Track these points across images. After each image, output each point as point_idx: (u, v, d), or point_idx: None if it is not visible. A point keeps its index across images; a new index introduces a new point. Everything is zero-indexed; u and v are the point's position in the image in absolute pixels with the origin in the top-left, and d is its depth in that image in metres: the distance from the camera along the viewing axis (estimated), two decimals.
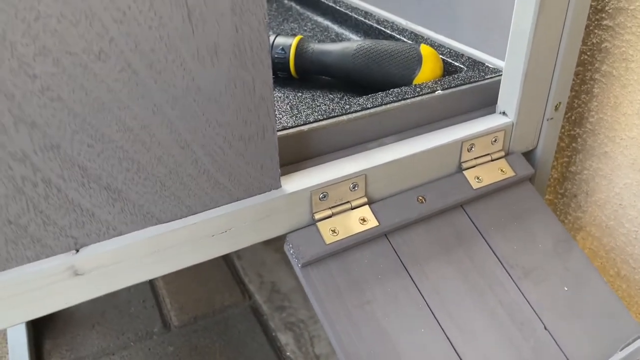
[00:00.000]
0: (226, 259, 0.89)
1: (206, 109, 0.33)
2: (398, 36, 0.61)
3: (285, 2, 0.83)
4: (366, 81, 0.53)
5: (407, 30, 0.62)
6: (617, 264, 0.63)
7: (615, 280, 0.64)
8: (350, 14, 0.69)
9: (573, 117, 0.62)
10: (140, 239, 0.35)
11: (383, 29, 0.63)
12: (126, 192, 0.33)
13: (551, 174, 0.67)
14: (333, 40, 0.67)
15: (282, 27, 0.72)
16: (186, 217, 0.36)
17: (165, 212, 0.35)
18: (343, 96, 0.54)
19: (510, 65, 0.46)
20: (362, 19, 0.67)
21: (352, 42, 0.53)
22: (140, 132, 0.32)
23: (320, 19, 0.74)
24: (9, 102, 0.28)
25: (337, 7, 0.71)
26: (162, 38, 0.30)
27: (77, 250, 0.33)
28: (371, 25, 0.65)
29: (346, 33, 0.69)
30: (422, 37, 0.60)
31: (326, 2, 0.73)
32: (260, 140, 0.36)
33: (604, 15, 0.56)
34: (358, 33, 0.68)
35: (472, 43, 0.56)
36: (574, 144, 0.63)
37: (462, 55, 0.55)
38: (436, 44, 0.58)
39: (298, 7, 0.79)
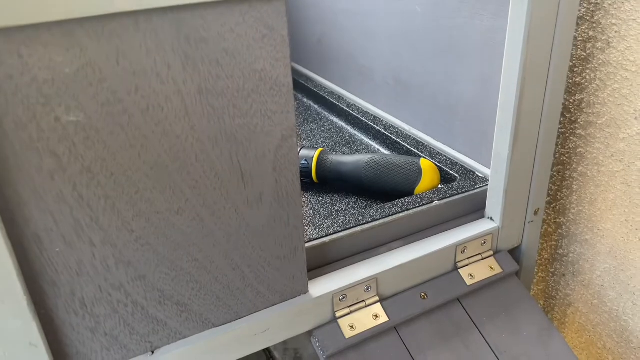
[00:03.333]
0: None
1: (253, 240, 0.43)
2: (402, 142, 0.71)
3: (305, 100, 0.94)
4: (375, 188, 0.63)
5: (410, 137, 0.73)
6: (603, 338, 0.70)
7: (602, 352, 0.71)
8: (361, 118, 0.80)
9: (557, 207, 0.71)
10: (200, 341, 0.44)
11: (389, 134, 0.74)
12: (190, 305, 0.43)
13: (542, 255, 0.76)
14: (347, 142, 0.78)
15: (303, 128, 0.83)
16: (235, 321, 0.46)
17: (219, 318, 0.45)
18: (357, 200, 0.64)
19: (494, 181, 0.56)
20: (372, 124, 0.78)
21: (364, 156, 0.64)
22: (203, 261, 0.42)
23: (335, 120, 0.85)
24: (113, 250, 0.38)
25: (350, 111, 0.82)
26: (223, 194, 0.40)
27: (153, 352, 0.43)
28: (379, 131, 0.76)
29: (358, 135, 0.80)
30: (423, 144, 0.70)
31: (340, 105, 0.85)
32: (292, 257, 0.46)
33: (577, 126, 0.66)
34: (369, 136, 0.78)
35: (465, 152, 0.67)
36: (559, 230, 0.72)
37: (457, 163, 0.65)
38: (435, 151, 0.68)
39: (316, 107, 0.90)
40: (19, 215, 0.34)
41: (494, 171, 0.55)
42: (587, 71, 0.62)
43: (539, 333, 0.54)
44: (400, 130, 0.74)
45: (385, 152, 0.75)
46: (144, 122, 0.35)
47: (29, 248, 0.35)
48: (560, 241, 0.73)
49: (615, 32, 0.57)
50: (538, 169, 0.56)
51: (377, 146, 0.76)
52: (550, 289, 0.78)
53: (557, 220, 0.72)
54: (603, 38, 0.59)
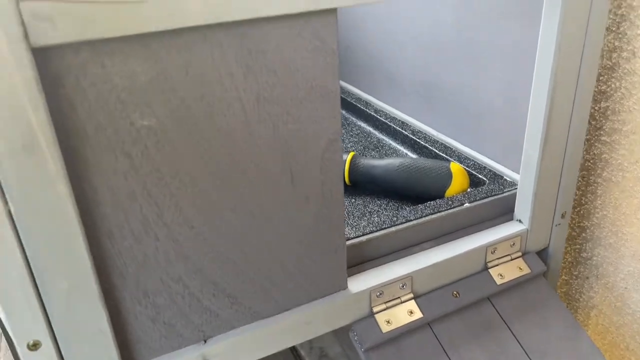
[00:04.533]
0: None
1: (299, 237, 0.46)
2: (430, 147, 0.74)
3: None
4: (406, 191, 0.65)
5: (438, 141, 0.75)
6: (626, 339, 0.72)
7: (625, 353, 0.73)
8: (389, 123, 0.82)
9: (581, 212, 0.73)
10: (248, 331, 0.47)
11: (417, 139, 0.77)
12: (240, 297, 0.46)
13: (565, 258, 0.78)
14: (375, 146, 0.81)
15: None
16: (280, 313, 0.48)
17: (265, 310, 0.48)
18: (388, 202, 0.66)
19: (523, 184, 0.58)
20: (400, 128, 0.80)
21: (395, 159, 0.67)
22: (253, 256, 0.45)
23: (363, 125, 0.88)
24: (174, 244, 0.41)
25: (378, 116, 0.85)
26: (274, 194, 0.43)
27: (205, 341, 0.46)
28: (407, 135, 0.78)
29: (386, 140, 0.83)
30: (451, 148, 0.73)
31: (368, 111, 0.87)
32: (334, 254, 0.49)
33: (601, 132, 0.68)
34: (397, 140, 0.81)
35: (493, 157, 0.69)
36: (583, 234, 0.74)
37: (485, 167, 0.68)
38: (463, 156, 0.71)
39: (344, 112, 0.93)
40: (95, 211, 0.37)
41: (523, 175, 0.58)
42: (613, 80, 0.64)
43: (566, 332, 0.56)
44: (428, 135, 0.77)
45: (414, 156, 0.77)
46: (208, 127, 0.38)
47: (102, 242, 0.38)
48: (584, 244, 0.75)
49: None
50: (566, 173, 0.58)
51: (405, 150, 0.79)
52: (573, 291, 0.80)
53: (581, 224, 0.74)
54: (628, 48, 0.61)
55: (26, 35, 0.30)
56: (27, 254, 0.35)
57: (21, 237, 0.35)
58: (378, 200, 0.67)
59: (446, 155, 0.72)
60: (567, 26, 0.50)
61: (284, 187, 0.43)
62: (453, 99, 0.74)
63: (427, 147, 0.75)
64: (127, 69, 0.35)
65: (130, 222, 0.39)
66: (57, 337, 0.38)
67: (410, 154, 0.78)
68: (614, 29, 0.62)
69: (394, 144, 0.81)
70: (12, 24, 0.30)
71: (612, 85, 0.64)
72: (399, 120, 0.83)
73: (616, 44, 0.62)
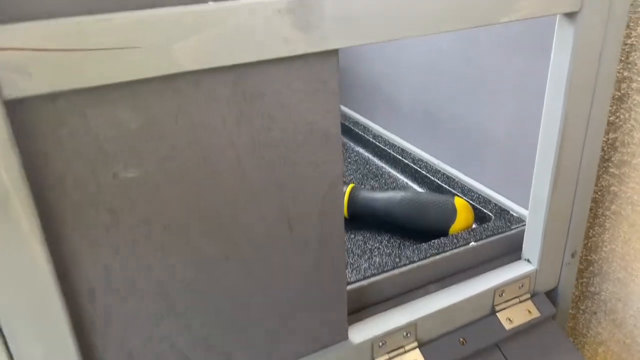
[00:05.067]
0: None
1: (297, 284, 0.43)
2: (432, 177, 0.71)
3: None
4: (408, 226, 0.62)
5: (439, 171, 0.72)
6: (618, 354, 0.69)
7: None
8: (388, 150, 0.80)
9: (589, 245, 0.71)
10: None
11: (418, 168, 0.74)
12: (233, 352, 0.43)
13: (573, 292, 0.75)
14: (375, 175, 0.78)
15: None
16: None
17: None
18: (389, 238, 0.63)
19: (532, 223, 0.55)
20: (400, 156, 0.77)
21: (397, 193, 0.64)
22: (248, 307, 0.41)
23: (361, 151, 0.85)
24: (164, 300, 0.38)
25: (377, 143, 0.82)
26: (270, 241, 0.40)
27: None
28: (407, 164, 0.76)
29: (385, 167, 0.80)
30: (453, 179, 0.70)
31: (366, 136, 0.85)
32: (334, 302, 0.46)
33: (610, 164, 0.65)
34: (397, 169, 0.78)
35: (498, 189, 0.66)
36: (591, 268, 0.72)
37: (490, 201, 0.65)
38: (466, 188, 0.68)
39: (342, 137, 0.90)
40: (73, 269, 0.34)
41: (532, 213, 0.55)
42: (622, 110, 0.62)
43: None
44: (429, 164, 0.74)
45: (414, 186, 0.75)
46: (199, 174, 0.35)
47: (81, 303, 0.35)
48: (591, 279, 0.72)
49: None
50: (576, 211, 0.56)
51: (405, 180, 0.76)
52: (580, 326, 0.77)
53: (589, 257, 0.71)
54: (638, 79, 0.58)
55: None
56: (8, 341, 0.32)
57: None
58: (379, 235, 0.64)
59: (449, 186, 0.69)
60: (579, 58, 0.47)
61: (281, 234, 0.40)
62: (455, 127, 0.72)
63: (428, 177, 0.72)
64: (111, 117, 0.31)
65: (113, 280, 0.35)
66: None
67: (410, 183, 0.75)
68: (623, 58, 0.59)
69: (393, 172, 0.78)
70: None
71: (621, 117, 0.62)
72: (399, 147, 0.80)
73: (625, 74, 0.60)
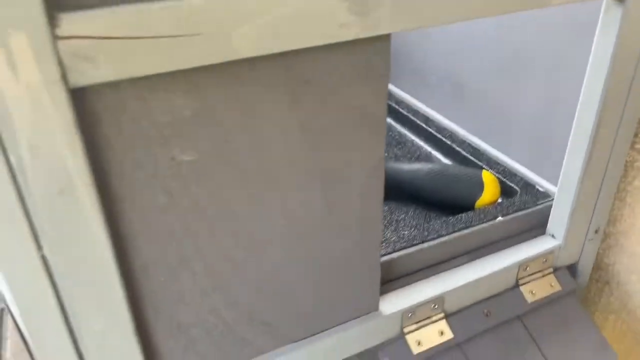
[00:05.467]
0: None
1: (335, 261, 0.44)
2: (458, 148, 0.72)
3: None
4: (434, 199, 0.63)
5: (465, 142, 0.73)
6: (629, 322, 0.72)
7: None
8: (412, 117, 0.79)
9: (609, 218, 0.72)
10: (278, 356, 0.46)
11: (443, 138, 0.74)
12: (274, 323, 0.44)
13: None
14: (398, 142, 0.78)
15: None
16: (312, 336, 0.47)
17: (297, 334, 0.46)
18: (415, 209, 0.64)
19: (560, 201, 0.56)
20: (424, 124, 0.77)
21: (423, 165, 0.64)
22: (289, 283, 0.43)
23: None
24: (212, 278, 0.39)
25: (399, 109, 0.82)
26: (313, 222, 0.41)
27: None
28: (432, 133, 0.76)
29: (408, 134, 0.80)
30: (479, 150, 0.70)
31: (389, 101, 0.84)
32: (368, 277, 0.47)
33: (636, 140, 0.65)
34: (420, 137, 0.78)
35: (524, 163, 0.67)
36: (608, 240, 0.73)
37: (516, 175, 0.65)
38: (492, 160, 0.68)
39: None
40: (129, 247, 0.35)
41: (561, 191, 0.56)
42: None
43: (595, 351, 0.55)
44: (454, 134, 0.74)
45: (439, 155, 0.75)
46: (249, 159, 0.36)
47: (136, 280, 0.36)
48: (607, 251, 0.74)
49: None
50: (604, 189, 0.56)
51: (429, 149, 0.76)
52: (592, 294, 0.79)
53: (607, 230, 0.72)
54: None
55: (64, 76, 0.27)
56: (62, 297, 0.33)
57: (55, 281, 0.32)
58: (404, 207, 0.65)
59: (474, 158, 0.69)
60: (624, 41, 0.46)
61: (324, 213, 0.41)
62: (484, 99, 0.71)
63: (453, 147, 0.72)
64: (170, 103, 0.32)
65: (167, 258, 0.36)
66: None
67: (435, 153, 0.76)
68: None
69: (417, 140, 0.78)
70: (49, 65, 0.27)
71: None
72: (422, 114, 0.80)
73: None
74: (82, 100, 0.29)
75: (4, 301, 0.48)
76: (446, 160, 0.74)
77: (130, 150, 0.32)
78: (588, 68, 0.49)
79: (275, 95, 0.35)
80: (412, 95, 0.85)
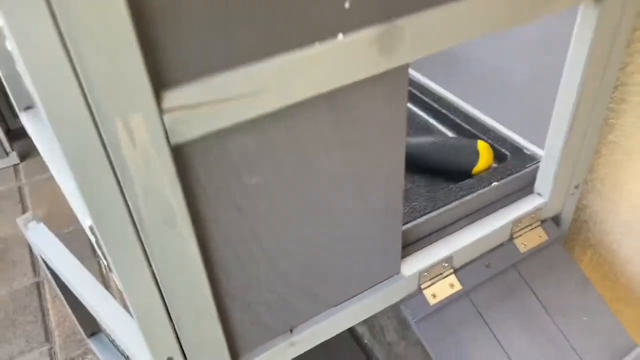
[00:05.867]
0: None
1: (367, 242, 0.53)
2: (452, 116, 0.80)
3: None
4: (436, 168, 0.72)
5: (458, 109, 0.81)
6: (617, 274, 0.84)
7: (615, 285, 0.85)
8: (409, 87, 0.86)
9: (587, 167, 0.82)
10: (323, 319, 0.56)
11: (437, 106, 0.82)
12: (318, 293, 0.54)
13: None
14: None
15: None
16: (348, 300, 0.57)
17: (336, 299, 0.56)
18: (420, 177, 0.73)
19: (546, 164, 0.66)
20: (418, 93, 0.85)
21: (426, 138, 0.73)
22: (330, 261, 0.52)
23: None
24: (272, 266, 0.48)
25: None
26: (349, 214, 0.50)
27: (291, 331, 0.55)
28: (427, 102, 0.83)
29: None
30: (473, 118, 0.79)
31: None
32: (391, 249, 0.57)
33: (610, 100, 0.74)
34: (416, 104, 0.86)
35: (514, 128, 0.76)
36: (586, 186, 0.83)
37: (506, 140, 0.74)
38: (485, 127, 0.77)
39: None
40: (213, 255, 0.44)
41: (547, 156, 0.65)
42: (631, 57, 0.69)
43: (578, 288, 0.66)
44: (450, 103, 0.82)
45: (435, 123, 0.83)
46: (300, 175, 0.44)
47: (218, 277, 0.45)
48: (585, 194, 0.84)
49: None
50: (584, 151, 0.66)
51: (426, 117, 0.84)
52: (571, 231, 0.91)
53: (585, 177, 0.83)
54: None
55: (167, 138, 0.35)
56: (166, 300, 0.42)
57: (162, 289, 0.41)
58: (410, 176, 0.73)
59: (469, 126, 0.78)
60: (600, 33, 0.54)
61: (357, 207, 0.50)
62: (476, 68, 0.79)
63: (448, 116, 0.80)
64: (241, 142, 0.39)
65: (240, 257, 0.45)
66: (185, 352, 0.47)
67: (431, 120, 0.83)
68: None
69: (414, 109, 0.86)
70: (156, 131, 0.34)
71: (626, 60, 0.70)
72: (416, 82, 0.87)
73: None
74: (179, 152, 0.37)
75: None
76: (442, 128, 0.82)
77: (213, 181, 0.40)
78: (571, 45, 0.57)
79: (320, 123, 0.42)
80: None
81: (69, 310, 0.88)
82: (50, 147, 0.62)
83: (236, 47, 0.35)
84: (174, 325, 0.44)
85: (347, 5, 0.37)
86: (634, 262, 0.80)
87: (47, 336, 1.01)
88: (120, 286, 0.41)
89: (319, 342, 0.57)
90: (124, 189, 0.35)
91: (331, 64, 0.39)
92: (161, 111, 0.34)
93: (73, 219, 1.26)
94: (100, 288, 0.68)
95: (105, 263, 0.42)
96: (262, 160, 0.41)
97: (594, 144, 0.68)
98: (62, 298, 0.85)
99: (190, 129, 0.36)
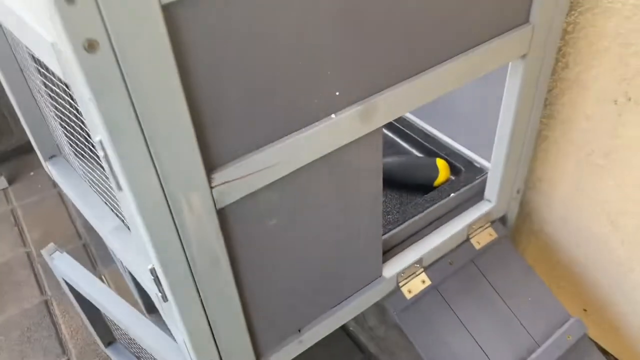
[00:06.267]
0: None
1: (358, 250, 0.67)
2: (414, 135, 0.94)
3: None
4: (405, 183, 0.87)
5: (416, 127, 0.95)
6: (558, 255, 1.02)
7: (556, 265, 1.02)
8: None
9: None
10: (322, 320, 0.69)
11: (399, 125, 0.96)
12: (316, 299, 0.68)
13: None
14: None
15: None
16: (344, 301, 0.71)
17: (331, 303, 0.70)
18: (389, 192, 0.87)
19: (492, 175, 0.81)
20: None
21: (395, 158, 0.87)
22: (329, 271, 0.66)
23: None
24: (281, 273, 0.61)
25: None
26: (339, 231, 0.63)
27: (299, 330, 0.68)
28: (393, 124, 0.97)
29: None
30: (431, 136, 0.93)
31: None
32: (374, 255, 0.71)
33: (542, 118, 0.90)
34: (385, 127, 0.99)
35: (466, 145, 0.90)
36: (526, 185, 1.00)
37: (460, 156, 0.89)
38: (442, 144, 0.92)
39: None
40: (241, 278, 0.56)
41: (492, 168, 0.80)
42: (555, 82, 0.85)
43: (523, 275, 0.82)
44: (411, 124, 0.96)
45: (400, 141, 0.97)
46: (306, 215, 0.57)
47: (245, 294, 0.58)
48: (527, 193, 1.00)
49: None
50: (522, 164, 0.81)
51: (392, 136, 0.98)
52: (517, 224, 1.07)
53: (524, 183, 0.99)
54: (560, 83, 0.81)
55: (215, 204, 0.47)
56: (210, 319, 0.55)
57: (207, 311, 0.54)
58: (384, 190, 0.87)
59: (428, 143, 0.92)
60: (527, 78, 0.69)
61: (348, 231, 0.64)
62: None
63: (411, 135, 0.94)
64: (265, 198, 0.52)
65: (261, 280, 0.58)
66: (222, 357, 0.60)
67: (396, 138, 0.97)
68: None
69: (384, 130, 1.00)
70: (208, 201, 0.47)
71: (553, 93, 0.85)
72: None
73: (554, 77, 0.82)
74: (222, 212, 0.49)
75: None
76: (406, 145, 0.96)
77: (246, 228, 0.53)
78: (506, 84, 0.71)
79: (319, 175, 0.55)
80: None
81: (87, 323, 0.99)
82: (82, 191, 0.73)
83: (260, 136, 0.48)
84: (214, 337, 0.57)
85: (337, 93, 0.51)
86: (568, 248, 0.97)
87: (63, 348, 1.11)
88: (174, 312, 0.53)
89: (321, 338, 0.71)
90: (182, 241, 0.48)
91: (327, 136, 0.52)
92: (211, 188, 0.46)
93: (68, 239, 1.35)
94: (125, 304, 0.80)
95: (160, 295, 0.54)
96: (279, 207, 0.54)
97: (530, 158, 0.83)
98: (81, 312, 0.96)
99: (230, 196, 0.48)
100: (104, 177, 0.65)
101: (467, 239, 0.82)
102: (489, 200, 0.84)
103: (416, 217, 0.79)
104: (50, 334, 1.15)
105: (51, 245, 0.89)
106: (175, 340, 0.71)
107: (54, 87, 0.56)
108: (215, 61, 0.42)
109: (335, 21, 0.47)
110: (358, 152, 0.57)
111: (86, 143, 0.62)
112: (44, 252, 0.88)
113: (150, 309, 1.10)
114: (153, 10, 0.36)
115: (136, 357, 1.05)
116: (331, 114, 0.51)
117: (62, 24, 0.33)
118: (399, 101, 0.56)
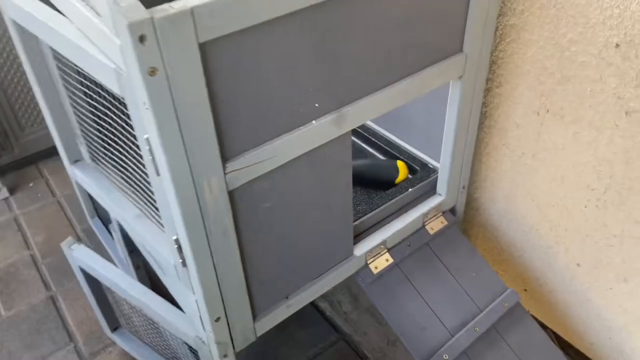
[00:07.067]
0: None
1: (334, 233, 0.84)
2: (376, 140, 1.12)
3: None
4: (371, 181, 1.04)
5: (380, 135, 1.13)
6: (502, 245, 1.20)
7: (502, 253, 1.21)
8: None
9: (473, 171, 1.17)
10: (308, 288, 0.86)
11: (361, 131, 1.14)
12: (301, 271, 0.84)
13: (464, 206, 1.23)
14: None
15: None
16: (320, 275, 0.87)
17: (312, 276, 0.86)
18: (358, 189, 1.05)
19: (442, 173, 0.99)
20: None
21: (362, 161, 1.04)
22: (311, 249, 0.82)
23: None
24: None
25: None
26: (324, 224, 0.80)
27: (287, 297, 0.84)
28: (360, 132, 1.15)
29: None
30: (391, 141, 1.11)
31: None
32: (348, 238, 0.87)
33: (483, 126, 1.09)
34: (353, 134, 1.17)
35: (421, 149, 1.09)
36: (474, 184, 1.18)
37: (415, 158, 1.07)
38: (400, 148, 1.10)
39: None
40: (243, 248, 0.72)
41: (442, 168, 0.98)
42: (489, 97, 1.04)
43: (468, 255, 1.00)
44: (373, 130, 1.14)
45: (366, 146, 1.15)
46: (294, 201, 0.74)
47: (246, 263, 0.74)
48: (474, 190, 1.19)
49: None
50: (465, 165, 1.00)
51: (359, 142, 1.16)
52: (467, 217, 1.26)
53: (471, 178, 1.18)
54: (492, 102, 1.00)
55: (227, 187, 0.64)
56: (219, 281, 0.71)
57: (217, 274, 0.70)
58: (354, 187, 1.04)
59: (389, 148, 1.10)
60: (464, 96, 0.87)
61: (325, 215, 0.81)
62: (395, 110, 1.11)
63: (372, 140, 1.12)
64: (261, 184, 0.69)
65: (258, 251, 0.75)
66: (227, 314, 0.75)
67: (363, 144, 1.15)
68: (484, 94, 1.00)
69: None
70: (223, 184, 0.63)
71: (488, 104, 1.04)
72: None
73: (487, 96, 1.01)
74: (231, 193, 0.66)
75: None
76: (371, 149, 1.14)
77: (246, 207, 0.69)
78: (448, 99, 0.90)
79: (303, 168, 0.72)
80: None
81: (97, 309, 1.12)
82: (109, 194, 0.88)
83: (261, 136, 0.65)
84: (222, 297, 0.73)
85: (317, 105, 0.68)
86: (509, 235, 1.16)
87: (70, 337, 1.24)
88: (193, 274, 0.69)
89: (304, 305, 0.87)
90: (203, 215, 0.64)
91: (310, 136, 0.69)
92: (225, 174, 0.63)
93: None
94: (138, 283, 0.95)
95: (181, 261, 0.70)
96: (272, 193, 0.71)
97: (471, 161, 1.02)
98: (92, 299, 1.10)
99: (238, 181, 0.65)
100: (127, 176, 0.80)
101: (423, 226, 1.00)
102: (440, 194, 1.02)
103: (381, 208, 0.96)
104: (57, 326, 1.28)
105: (69, 238, 1.03)
106: (183, 312, 0.86)
107: (99, 99, 0.72)
108: (231, 85, 0.59)
109: (313, 54, 0.64)
110: (333, 150, 0.74)
111: (117, 147, 0.78)
112: (63, 244, 1.02)
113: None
114: (192, 46, 0.53)
115: (139, 339, 1.19)
116: (312, 120, 0.69)
117: (135, 57, 0.49)
118: (363, 111, 0.73)
